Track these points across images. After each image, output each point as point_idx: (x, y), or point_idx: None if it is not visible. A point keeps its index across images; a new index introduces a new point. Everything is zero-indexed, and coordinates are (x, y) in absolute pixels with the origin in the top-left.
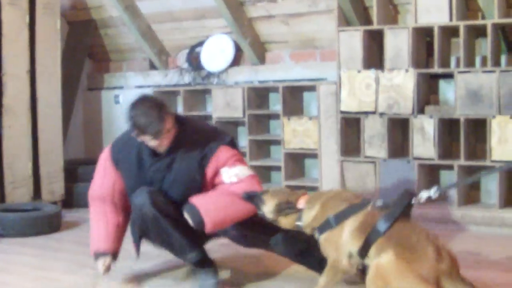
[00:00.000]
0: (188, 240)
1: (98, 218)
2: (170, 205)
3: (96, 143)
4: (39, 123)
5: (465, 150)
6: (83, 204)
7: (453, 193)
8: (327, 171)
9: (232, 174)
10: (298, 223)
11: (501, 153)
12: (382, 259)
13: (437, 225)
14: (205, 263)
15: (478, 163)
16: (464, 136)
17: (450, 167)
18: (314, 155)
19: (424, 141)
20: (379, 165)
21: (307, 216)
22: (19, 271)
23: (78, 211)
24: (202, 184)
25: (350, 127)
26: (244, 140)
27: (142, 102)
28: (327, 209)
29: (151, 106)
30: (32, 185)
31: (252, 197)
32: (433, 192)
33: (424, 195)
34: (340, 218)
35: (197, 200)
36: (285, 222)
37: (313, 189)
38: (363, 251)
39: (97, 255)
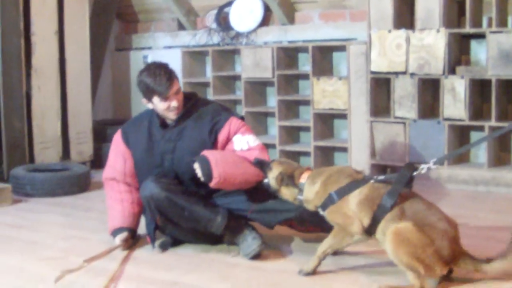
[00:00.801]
0: (209, 207)
1: (113, 198)
2: (177, 184)
3: (124, 104)
4: (68, 84)
5: (496, 111)
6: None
7: (483, 155)
8: (357, 132)
9: (244, 142)
10: (299, 197)
11: None
12: (400, 225)
13: (468, 187)
14: (237, 227)
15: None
16: (496, 97)
17: (480, 128)
18: (343, 116)
19: (455, 102)
20: (409, 126)
21: (308, 192)
22: (48, 230)
23: None
24: (213, 148)
25: (380, 88)
26: (273, 100)
27: (149, 66)
28: (329, 185)
29: (158, 67)
30: (61, 145)
31: (261, 164)
32: (432, 164)
33: (424, 168)
34: (343, 192)
35: (209, 153)
36: (286, 193)
37: (343, 149)
38: (372, 228)
39: (114, 232)
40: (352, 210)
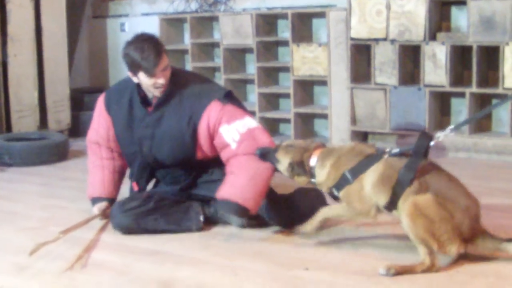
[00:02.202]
0: (181, 211)
1: (95, 164)
2: (147, 200)
3: (101, 72)
4: (44, 52)
5: (477, 78)
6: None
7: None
8: (337, 99)
9: (234, 132)
10: (313, 180)
11: None
12: (420, 197)
13: (448, 153)
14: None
15: (490, 91)
16: (477, 63)
17: (461, 95)
18: (323, 82)
19: (436, 68)
20: (390, 93)
21: (320, 175)
22: (26, 200)
23: (85, 139)
24: (196, 145)
25: (360, 54)
26: (252, 67)
27: (138, 38)
28: (341, 166)
29: (146, 41)
30: (38, 114)
31: (266, 155)
32: (449, 131)
33: (440, 136)
34: (356, 172)
35: (227, 193)
36: (299, 180)
37: (323, 116)
38: (391, 205)
39: (93, 201)
40: (368, 192)
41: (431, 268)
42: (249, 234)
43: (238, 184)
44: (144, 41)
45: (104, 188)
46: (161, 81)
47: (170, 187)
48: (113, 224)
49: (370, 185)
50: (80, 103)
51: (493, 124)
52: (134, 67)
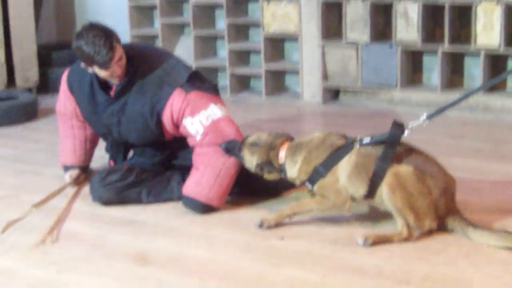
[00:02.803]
0: (164, 180)
1: (66, 133)
2: (128, 172)
3: (69, 27)
4: (9, 9)
5: (449, 36)
6: (59, 89)
7: (436, 78)
8: (308, 55)
9: (197, 124)
10: (283, 176)
11: (486, 40)
12: (401, 168)
13: (420, 109)
14: None
15: (462, 49)
16: (449, 21)
17: (433, 52)
18: (294, 39)
19: (407, 26)
20: (361, 50)
21: (292, 172)
22: None
23: (54, 96)
24: (163, 131)
25: (331, 12)
26: (222, 23)
27: (88, 31)
28: (312, 160)
29: (98, 34)
30: (5, 72)
31: (232, 150)
32: (422, 121)
33: (413, 125)
34: (329, 165)
35: (193, 191)
36: (270, 177)
37: (294, 72)
38: (369, 195)
39: (65, 168)
40: (343, 184)
41: (408, 239)
42: (226, 203)
43: (204, 183)
44: (95, 35)
45: (75, 157)
46: (116, 72)
47: (149, 160)
48: (94, 197)
49: (345, 177)
50: (48, 59)
51: (465, 80)
52: (87, 61)
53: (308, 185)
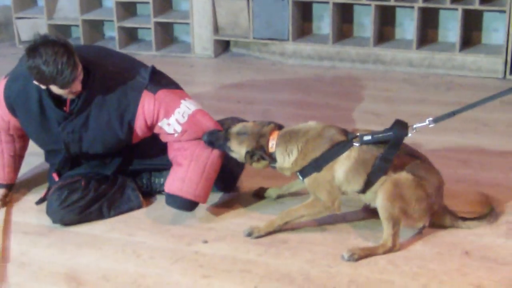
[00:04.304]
0: (119, 192)
1: None
2: (85, 188)
3: None
4: None
5: None
6: None
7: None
8: (198, 7)
9: (174, 124)
10: (272, 165)
11: None
12: (400, 176)
13: (312, 62)
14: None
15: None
16: None
17: (325, 3)
18: None
19: None
20: (253, 1)
21: (284, 162)
22: None
23: None
24: (131, 139)
25: None
26: None
27: (46, 46)
28: (309, 152)
29: (58, 51)
30: None
31: (214, 142)
32: (427, 122)
33: (417, 127)
34: (326, 160)
35: (177, 189)
36: (258, 166)
37: (185, 24)
38: (365, 189)
39: None
40: (338, 181)
41: (392, 249)
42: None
43: (190, 180)
44: (56, 53)
45: (4, 173)
46: (77, 88)
47: (103, 170)
48: (54, 220)
49: (342, 173)
50: None
51: (354, 29)
52: (46, 81)
53: (299, 176)
